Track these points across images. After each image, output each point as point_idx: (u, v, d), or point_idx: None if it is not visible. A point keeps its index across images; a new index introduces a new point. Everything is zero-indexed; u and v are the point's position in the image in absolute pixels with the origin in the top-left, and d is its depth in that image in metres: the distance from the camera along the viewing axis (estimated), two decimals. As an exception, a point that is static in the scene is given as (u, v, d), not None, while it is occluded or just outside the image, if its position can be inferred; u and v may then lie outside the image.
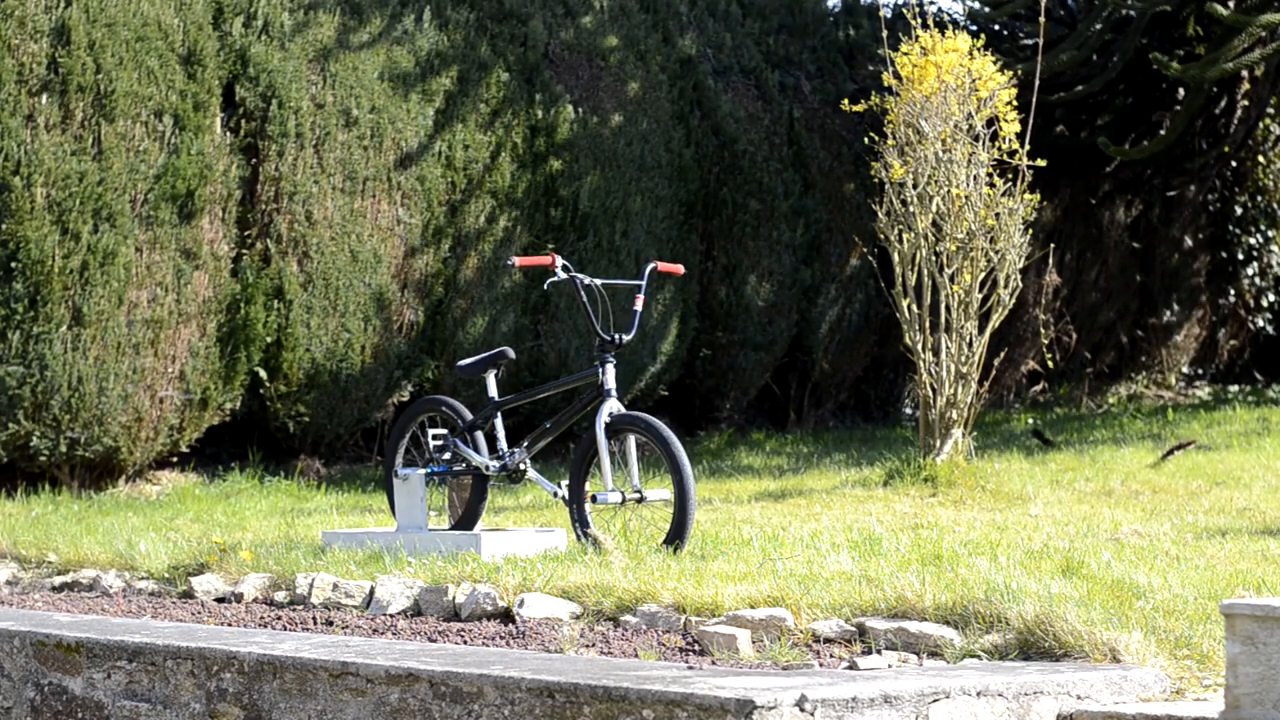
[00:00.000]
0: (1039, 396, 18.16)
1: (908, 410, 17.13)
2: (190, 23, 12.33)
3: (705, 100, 15.48)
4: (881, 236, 11.26)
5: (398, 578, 7.21)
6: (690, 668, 5.60)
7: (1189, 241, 19.21)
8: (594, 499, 7.91)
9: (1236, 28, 14.95)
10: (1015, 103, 11.01)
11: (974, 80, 10.92)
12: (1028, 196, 10.93)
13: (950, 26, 11.63)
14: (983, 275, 10.93)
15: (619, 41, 15.01)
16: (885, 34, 12.49)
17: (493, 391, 8.45)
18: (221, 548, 8.02)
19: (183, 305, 12.04)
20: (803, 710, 4.91)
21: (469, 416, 8.45)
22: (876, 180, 11.36)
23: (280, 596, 7.43)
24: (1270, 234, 19.52)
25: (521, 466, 8.31)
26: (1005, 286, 10.97)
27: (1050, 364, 17.84)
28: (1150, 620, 5.76)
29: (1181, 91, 17.49)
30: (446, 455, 8.42)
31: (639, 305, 8.26)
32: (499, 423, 8.42)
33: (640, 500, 7.92)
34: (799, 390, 16.28)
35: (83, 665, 6.46)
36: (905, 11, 11.93)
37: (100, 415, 11.68)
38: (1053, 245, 16.39)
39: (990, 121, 10.99)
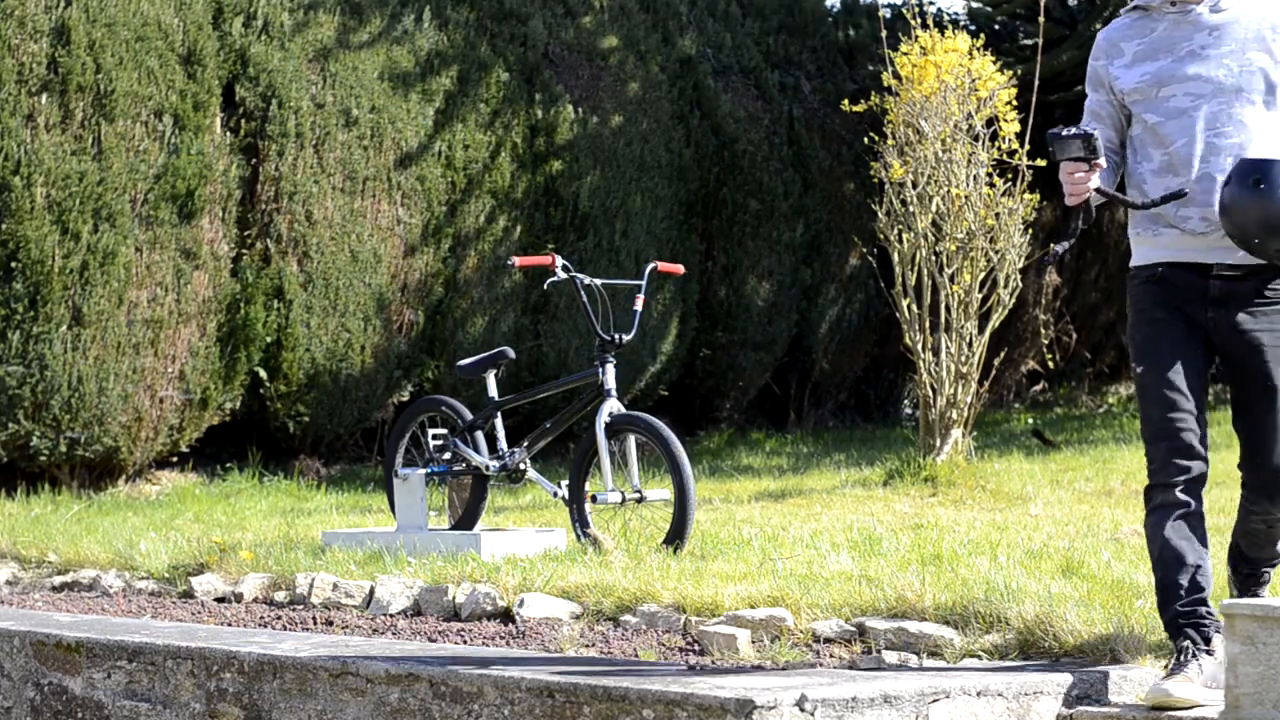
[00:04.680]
0: (1039, 396, 18.16)
1: (908, 410, 17.13)
2: (190, 23, 12.33)
3: (705, 100, 15.48)
4: (881, 236, 11.26)
5: (398, 578, 7.21)
6: (690, 668, 5.60)
7: (1189, 241, 19.21)
8: (594, 499, 7.91)
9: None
10: (1015, 103, 11.00)
11: (974, 80, 10.92)
12: (1027, 196, 10.93)
13: (950, 26, 11.63)
14: (983, 275, 10.93)
15: (619, 41, 15.01)
16: (885, 34, 12.48)
17: (493, 391, 8.45)
18: (221, 548, 8.02)
19: (183, 305, 12.04)
20: (803, 710, 4.91)
21: (469, 416, 8.45)
22: (876, 180, 11.35)
23: (280, 596, 7.43)
24: (1270, 234, 19.50)
25: (521, 466, 8.31)
26: (1005, 286, 10.98)
27: (1050, 364, 17.84)
28: (1150, 620, 5.76)
29: (1181, 91, 17.45)
30: (446, 455, 8.43)
31: (639, 305, 8.27)
32: (499, 423, 8.42)
33: (640, 500, 7.93)
34: (799, 390, 16.27)
35: (83, 665, 6.46)
36: (905, 11, 11.92)
37: (100, 415, 11.68)
38: (1052, 245, 16.39)
39: (990, 121, 10.99)
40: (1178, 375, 5.12)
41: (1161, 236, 5.20)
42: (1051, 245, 5.18)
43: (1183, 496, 5.13)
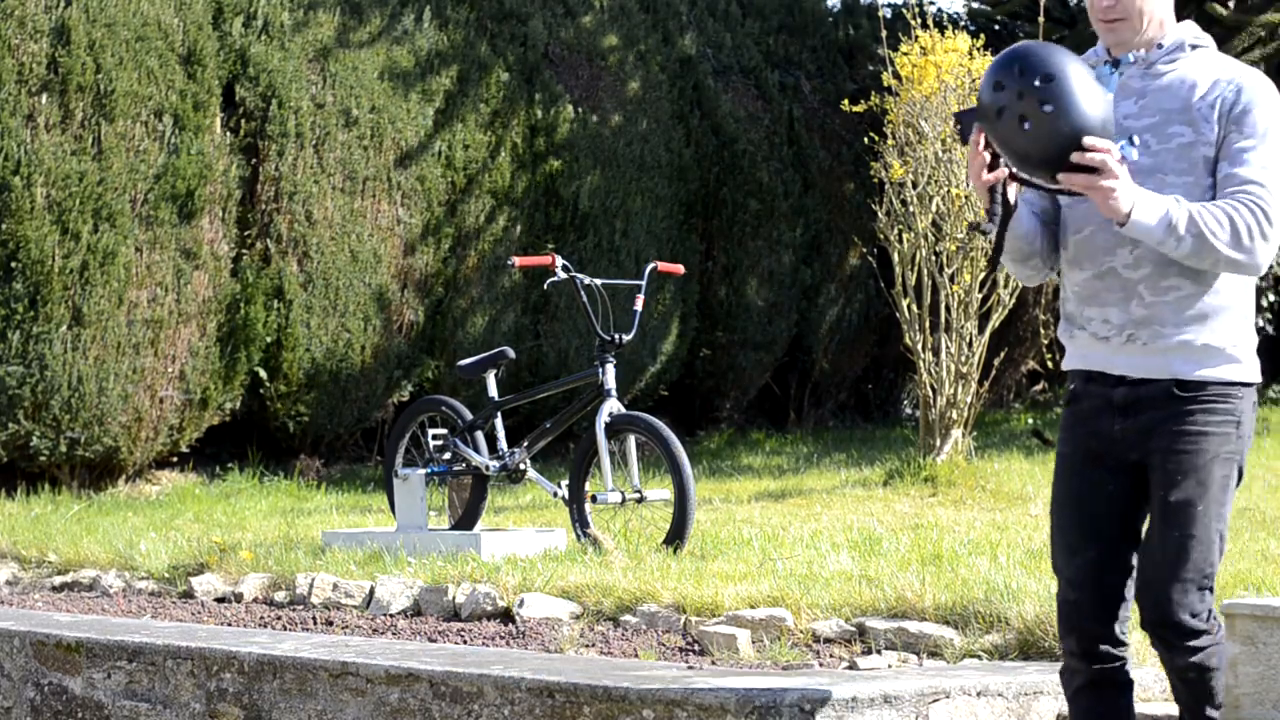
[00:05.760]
0: (1039, 396, 18.17)
1: (908, 410, 17.12)
2: (190, 23, 12.33)
3: (705, 100, 15.49)
4: (881, 236, 11.26)
5: (398, 578, 7.21)
6: (690, 668, 5.60)
7: (1189, 241, 19.20)
8: (594, 499, 7.91)
9: (1236, 28, 14.95)
10: (1015, 103, 10.98)
11: (974, 80, 10.92)
12: (1028, 196, 10.91)
13: (950, 26, 11.62)
14: (983, 275, 10.93)
15: (619, 41, 15.01)
16: (885, 34, 12.49)
17: (493, 391, 8.45)
18: (221, 548, 8.02)
19: (183, 305, 12.04)
20: (803, 710, 4.91)
21: (469, 416, 8.45)
22: (876, 180, 11.35)
23: (280, 596, 7.43)
24: (1270, 234, 19.49)
25: (521, 466, 8.31)
26: (1005, 286, 10.98)
27: (1050, 364, 17.84)
28: (1150, 620, 5.75)
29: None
30: (446, 455, 8.43)
31: (639, 305, 8.27)
32: (499, 423, 8.42)
33: (640, 500, 7.93)
34: (799, 390, 16.28)
35: (83, 665, 6.46)
36: (905, 11, 11.92)
37: (100, 415, 11.68)
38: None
39: (990, 121, 10.97)
40: (1074, 517, 4.32)
41: (1074, 340, 4.38)
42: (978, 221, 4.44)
43: (1079, 663, 4.35)
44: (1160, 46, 4.30)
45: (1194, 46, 4.32)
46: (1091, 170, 4.07)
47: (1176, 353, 4.25)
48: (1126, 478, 4.31)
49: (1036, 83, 4.04)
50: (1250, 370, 4.28)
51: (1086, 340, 4.36)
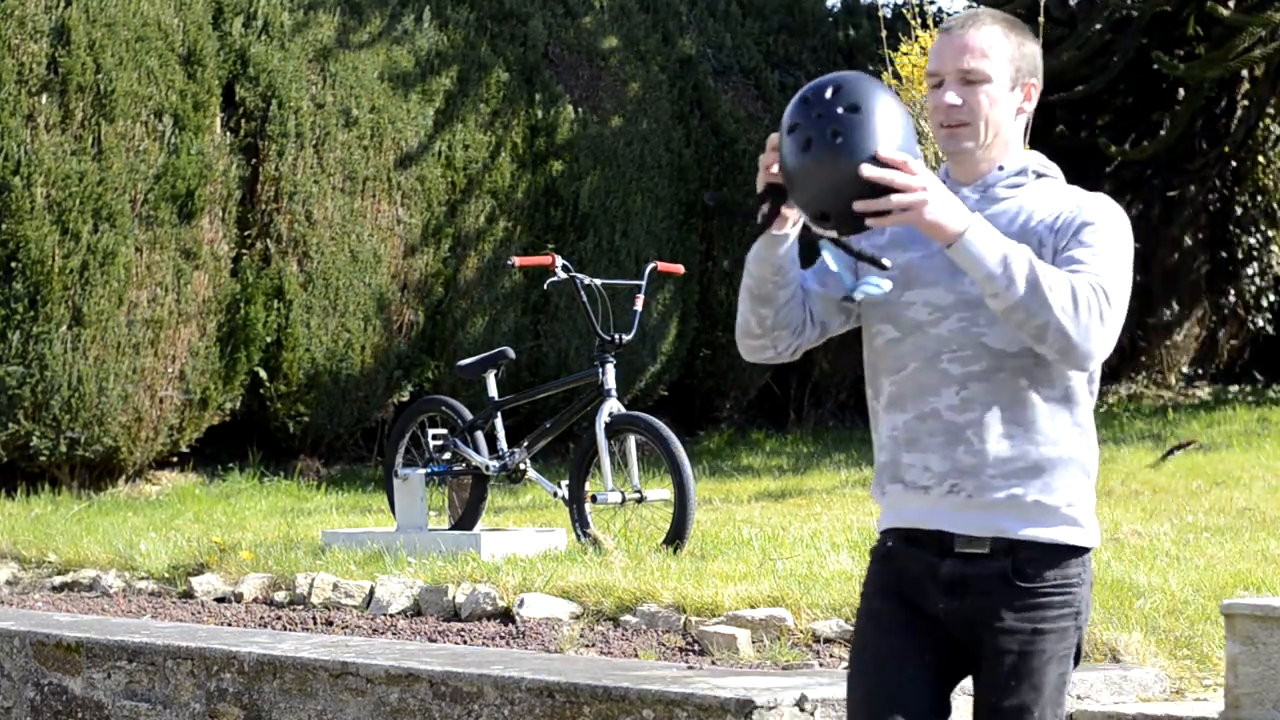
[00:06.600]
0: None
1: (908, 410, 17.13)
2: (190, 23, 12.33)
3: (705, 100, 15.49)
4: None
5: (398, 578, 7.21)
6: (690, 668, 5.60)
7: (1189, 241, 19.22)
8: (594, 499, 7.91)
9: (1237, 27, 14.96)
10: (1015, 103, 10.99)
11: (974, 80, 10.92)
12: (1028, 196, 10.92)
13: (950, 26, 11.61)
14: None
15: (619, 41, 15.01)
16: (885, 34, 12.49)
17: (493, 391, 8.45)
18: (221, 548, 8.02)
19: (183, 305, 12.04)
20: (803, 710, 4.91)
21: (469, 416, 8.45)
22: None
23: (280, 596, 7.43)
24: (1270, 234, 19.52)
25: (521, 466, 8.31)
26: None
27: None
28: (1150, 620, 5.76)
29: (1181, 91, 17.49)
30: (446, 455, 8.43)
31: (639, 305, 8.27)
32: (499, 423, 8.42)
33: (640, 500, 7.93)
34: (799, 390, 16.28)
35: (83, 665, 6.46)
36: (905, 11, 11.92)
37: (100, 415, 11.68)
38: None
39: (990, 121, 10.98)
40: (883, 683, 3.73)
41: (887, 496, 3.85)
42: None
43: None
44: (1002, 169, 3.82)
45: (1039, 175, 3.85)
46: (887, 194, 3.56)
47: (1004, 509, 3.67)
48: (945, 651, 3.76)
49: (840, 110, 3.55)
50: (1089, 534, 3.68)
51: (901, 494, 3.80)
